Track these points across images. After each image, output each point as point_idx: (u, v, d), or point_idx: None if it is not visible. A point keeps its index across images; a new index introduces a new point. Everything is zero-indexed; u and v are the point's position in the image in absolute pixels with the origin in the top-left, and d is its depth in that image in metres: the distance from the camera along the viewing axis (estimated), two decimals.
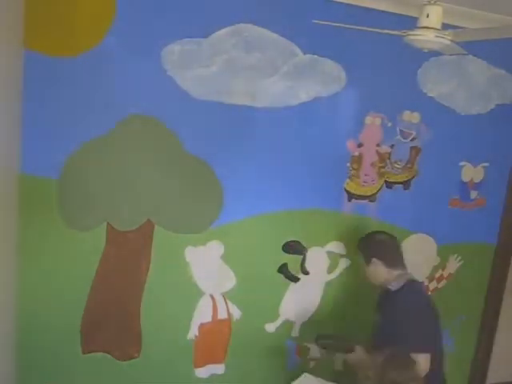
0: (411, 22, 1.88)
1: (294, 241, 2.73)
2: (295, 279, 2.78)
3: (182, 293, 2.57)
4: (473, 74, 2.92)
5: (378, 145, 2.81)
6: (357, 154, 2.77)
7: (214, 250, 2.58)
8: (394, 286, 2.36)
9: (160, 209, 2.46)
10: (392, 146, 2.84)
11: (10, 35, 2.03)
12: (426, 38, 1.81)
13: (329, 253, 2.82)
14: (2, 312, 2.18)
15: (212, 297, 2.65)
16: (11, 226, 2.21)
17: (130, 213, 2.42)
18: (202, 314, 2.64)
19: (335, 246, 2.83)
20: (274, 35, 2.47)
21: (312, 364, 2.95)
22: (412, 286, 2.39)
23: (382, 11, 2.56)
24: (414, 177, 2.93)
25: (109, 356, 2.53)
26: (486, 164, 3.08)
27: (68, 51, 2.19)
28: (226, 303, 2.68)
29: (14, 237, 2.25)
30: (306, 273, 2.79)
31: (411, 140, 2.87)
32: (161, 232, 2.47)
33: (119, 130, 2.32)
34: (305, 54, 2.54)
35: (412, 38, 1.84)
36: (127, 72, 2.30)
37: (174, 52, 2.33)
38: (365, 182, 2.82)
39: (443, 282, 3.15)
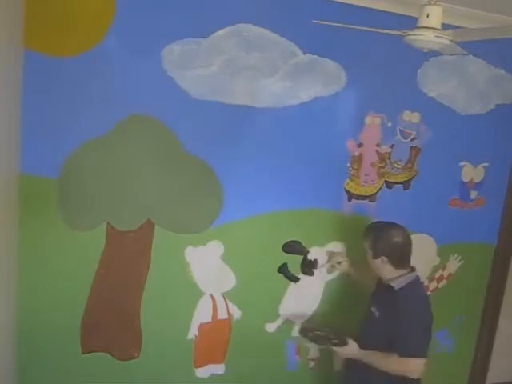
0: (411, 22, 1.88)
1: (293, 241, 2.73)
2: (295, 279, 2.78)
3: (182, 293, 2.57)
4: (473, 74, 2.92)
5: (377, 145, 2.81)
6: (357, 154, 2.77)
7: (213, 250, 2.58)
8: (396, 285, 2.31)
9: (160, 209, 2.46)
10: (392, 146, 2.84)
11: (10, 35, 2.03)
12: (426, 38, 1.82)
13: (329, 253, 2.83)
14: (2, 312, 2.18)
15: (212, 297, 2.65)
16: (11, 226, 2.21)
17: (130, 213, 2.42)
18: (202, 314, 2.65)
19: (335, 246, 2.83)
20: (274, 35, 2.47)
21: (312, 364, 2.95)
22: (414, 286, 2.35)
23: (382, 11, 2.56)
24: (413, 177, 2.93)
25: (109, 356, 2.53)
26: (486, 164, 3.08)
27: (68, 51, 2.19)
28: (226, 303, 2.68)
29: (14, 237, 2.25)
30: (311, 273, 2.80)
31: (411, 140, 2.87)
32: (161, 232, 2.47)
33: (119, 130, 2.32)
34: (305, 53, 2.54)
35: (412, 37, 1.84)
36: (127, 72, 2.30)
37: (173, 52, 2.33)
38: (365, 181, 2.82)
39: (443, 282, 3.15)
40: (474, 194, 3.11)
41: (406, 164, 2.90)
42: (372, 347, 2.29)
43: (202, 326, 2.66)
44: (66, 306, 2.40)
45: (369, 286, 2.59)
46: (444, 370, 3.29)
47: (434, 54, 2.26)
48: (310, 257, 2.78)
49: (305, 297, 2.83)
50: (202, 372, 2.73)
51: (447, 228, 3.06)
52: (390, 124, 2.79)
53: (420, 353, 2.21)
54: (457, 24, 2.38)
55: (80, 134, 2.27)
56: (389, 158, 2.85)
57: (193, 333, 2.65)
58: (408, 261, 2.40)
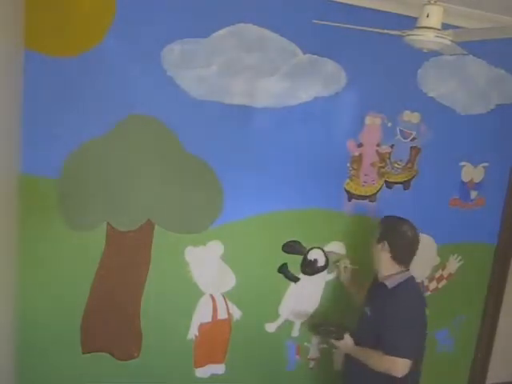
0: (411, 22, 1.88)
1: (293, 241, 2.73)
2: (295, 279, 2.78)
3: (182, 293, 2.57)
4: (473, 74, 2.92)
5: (378, 145, 2.81)
6: (357, 154, 2.77)
7: (213, 250, 2.58)
8: (390, 284, 2.31)
9: (160, 209, 2.46)
10: (392, 146, 2.84)
11: (10, 35, 2.03)
12: (425, 38, 1.82)
13: (329, 253, 2.83)
14: (2, 312, 2.18)
15: (212, 297, 2.65)
16: (11, 226, 2.21)
17: (130, 213, 2.42)
18: (202, 314, 2.65)
19: (335, 246, 2.83)
20: (274, 35, 2.47)
21: (312, 364, 2.95)
22: (408, 285, 2.34)
23: (382, 11, 2.56)
24: (413, 177, 2.93)
25: (109, 356, 2.53)
26: (486, 164, 3.08)
27: (68, 51, 2.19)
28: (226, 303, 2.68)
29: (14, 237, 2.25)
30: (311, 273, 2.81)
31: (411, 140, 2.87)
32: (161, 232, 2.47)
33: (119, 130, 2.32)
34: (305, 53, 2.54)
35: (412, 37, 1.84)
36: (127, 72, 2.30)
37: (173, 52, 2.33)
38: (365, 181, 2.82)
39: (443, 282, 3.15)
40: (473, 194, 3.11)
41: (406, 164, 2.90)
42: (361, 341, 2.33)
43: (201, 326, 2.66)
44: (66, 306, 2.40)
45: (360, 301, 2.60)
46: (444, 370, 3.30)
47: (434, 54, 2.26)
48: (311, 257, 2.78)
49: (305, 297, 2.83)
50: (202, 372, 2.73)
51: (447, 228, 3.06)
52: (389, 124, 2.79)
53: (405, 353, 2.18)
54: (457, 24, 2.38)
55: (80, 134, 2.27)
56: (389, 158, 2.85)
57: (193, 333, 2.65)
58: (409, 259, 2.38)
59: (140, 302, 2.52)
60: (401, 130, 2.83)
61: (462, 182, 3.06)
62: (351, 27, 2.04)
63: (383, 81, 2.71)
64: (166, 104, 2.38)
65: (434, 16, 1.80)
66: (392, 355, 2.18)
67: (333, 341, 2.45)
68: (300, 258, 2.77)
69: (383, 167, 2.85)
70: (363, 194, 2.84)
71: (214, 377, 2.75)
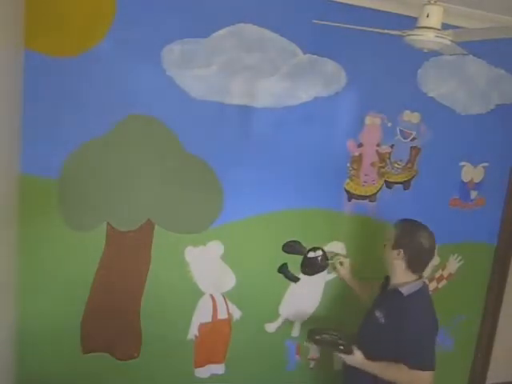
0: (411, 22, 1.88)
1: (293, 241, 2.73)
2: (295, 279, 2.78)
3: (182, 293, 2.57)
4: (473, 74, 2.92)
5: (378, 145, 2.81)
6: (357, 154, 2.77)
7: (213, 249, 2.58)
8: (405, 291, 2.21)
9: (160, 209, 2.46)
10: (392, 146, 2.84)
11: (10, 35, 2.03)
12: (425, 38, 1.82)
13: (329, 253, 2.83)
14: (2, 312, 2.18)
15: (212, 297, 2.65)
16: (11, 226, 2.21)
17: (130, 213, 2.42)
18: (202, 313, 2.65)
19: (335, 246, 2.83)
20: (274, 35, 2.47)
21: (312, 364, 2.95)
22: (423, 294, 2.27)
23: (382, 11, 2.56)
24: (413, 177, 2.93)
25: (109, 356, 2.53)
26: (486, 164, 3.09)
27: (68, 51, 2.19)
28: (226, 303, 2.68)
29: (14, 237, 2.25)
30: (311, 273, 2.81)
31: (411, 140, 2.87)
32: (161, 232, 2.47)
33: (119, 130, 2.32)
34: (305, 53, 2.54)
35: (412, 37, 1.84)
36: (127, 72, 2.30)
37: (173, 52, 2.33)
38: (365, 181, 2.82)
39: (443, 282, 3.15)
40: (473, 194, 3.11)
41: (406, 164, 2.90)
42: (376, 354, 2.20)
43: (202, 326, 2.66)
44: (66, 306, 2.40)
45: (363, 299, 2.58)
46: (444, 370, 3.29)
47: (434, 54, 2.26)
48: (311, 256, 2.78)
49: (305, 297, 2.83)
50: (202, 372, 2.73)
51: (447, 228, 3.06)
52: (390, 124, 2.79)
53: (430, 365, 2.15)
54: (457, 24, 2.38)
55: (80, 134, 2.27)
56: (389, 158, 2.85)
57: (193, 333, 2.65)
58: (423, 267, 2.31)
59: (140, 301, 2.52)
60: (401, 130, 2.83)
61: (462, 182, 3.06)
62: (351, 27, 2.04)
63: (383, 81, 2.71)
64: (166, 104, 2.38)
65: (434, 16, 1.80)
66: (418, 369, 2.11)
67: (341, 355, 2.28)
68: (300, 257, 2.77)
69: (383, 167, 2.85)
70: (363, 193, 2.84)
71: (213, 377, 2.76)
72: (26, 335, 2.37)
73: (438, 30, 1.81)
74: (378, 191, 2.87)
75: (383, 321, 2.25)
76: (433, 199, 3.00)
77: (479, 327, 3.36)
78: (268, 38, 2.46)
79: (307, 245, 2.77)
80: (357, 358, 2.22)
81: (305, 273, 2.79)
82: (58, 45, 2.17)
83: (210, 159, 2.48)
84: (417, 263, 2.27)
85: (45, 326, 2.38)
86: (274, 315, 2.79)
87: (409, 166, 2.91)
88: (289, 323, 2.83)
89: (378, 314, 2.29)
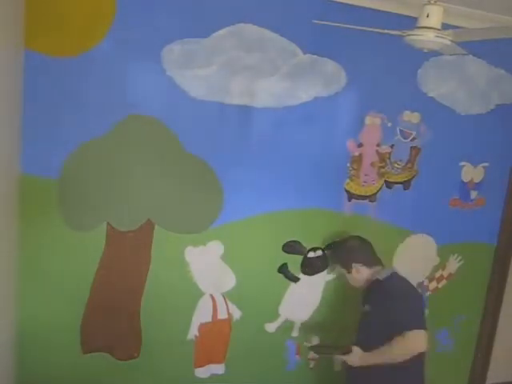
0: (411, 22, 1.88)
1: (293, 241, 2.73)
2: (295, 279, 2.78)
3: (182, 293, 2.57)
4: (473, 74, 2.92)
5: (378, 145, 2.81)
6: (357, 154, 2.77)
7: (213, 249, 2.58)
8: (381, 275, 2.39)
9: (160, 209, 2.46)
10: (392, 146, 2.84)
11: (10, 35, 2.03)
12: (425, 38, 1.82)
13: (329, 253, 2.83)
14: (2, 312, 2.18)
15: (212, 297, 2.65)
16: (11, 226, 2.21)
17: (130, 213, 2.42)
18: (202, 313, 2.65)
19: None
20: (274, 35, 2.47)
21: (312, 364, 2.95)
22: (396, 274, 2.42)
23: (382, 11, 2.56)
24: (413, 177, 2.93)
25: (109, 356, 2.53)
26: (486, 164, 3.08)
27: (68, 51, 2.19)
28: (226, 303, 2.68)
29: (14, 237, 2.25)
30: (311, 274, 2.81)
31: (411, 140, 2.87)
32: (161, 232, 2.47)
33: (119, 130, 2.32)
34: (305, 53, 2.54)
35: (412, 37, 1.84)
36: (127, 72, 2.30)
37: (173, 52, 2.33)
38: (365, 181, 2.82)
39: (443, 282, 3.15)
40: (473, 194, 3.11)
41: (406, 164, 2.90)
42: (373, 342, 2.25)
43: (202, 326, 2.66)
44: (66, 306, 2.40)
45: None
46: (444, 370, 3.29)
47: (434, 54, 2.26)
48: (311, 255, 2.78)
49: (305, 297, 2.83)
50: (202, 372, 2.73)
51: (447, 228, 3.06)
52: (390, 124, 2.79)
53: (419, 324, 2.19)
54: (457, 24, 2.38)
55: (80, 134, 2.27)
56: (389, 158, 2.85)
57: (193, 333, 2.65)
58: (377, 258, 2.50)
59: (140, 301, 2.52)
60: (401, 130, 2.83)
61: (462, 182, 3.06)
62: (351, 27, 2.04)
63: (383, 81, 2.71)
64: (166, 104, 2.38)
65: (434, 16, 1.80)
66: (408, 330, 2.14)
67: (341, 357, 2.37)
68: (300, 257, 2.77)
69: (383, 167, 2.85)
70: (363, 193, 2.84)
71: (213, 377, 2.76)
72: (26, 335, 2.37)
73: (438, 30, 1.81)
74: (378, 191, 2.87)
75: (369, 309, 2.38)
76: (433, 199, 3.00)
77: (479, 327, 3.36)
78: (268, 38, 2.46)
79: (307, 245, 2.77)
80: (356, 353, 2.30)
81: (305, 273, 2.79)
82: (57, 45, 2.17)
83: (210, 159, 2.48)
84: (370, 259, 2.47)
85: (45, 326, 2.38)
86: (274, 315, 2.79)
87: (409, 165, 2.91)
88: (289, 323, 2.83)
89: (366, 306, 2.42)
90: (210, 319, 2.67)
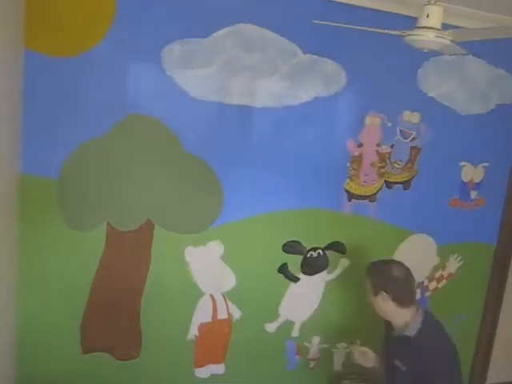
0: (411, 22, 1.88)
1: (293, 241, 2.73)
2: (295, 279, 2.78)
3: (182, 293, 2.57)
4: (473, 74, 2.92)
5: (377, 145, 2.81)
6: (357, 154, 2.77)
7: (213, 249, 2.58)
8: (411, 332, 2.18)
9: (160, 209, 2.46)
10: (392, 146, 2.84)
11: (10, 35, 2.03)
12: (425, 38, 1.81)
13: (329, 253, 2.83)
14: (2, 312, 2.18)
15: (212, 297, 2.65)
16: (11, 226, 2.21)
17: (130, 213, 2.42)
18: (202, 313, 2.65)
19: (335, 246, 2.83)
20: (274, 35, 2.47)
21: (312, 364, 2.95)
22: (428, 326, 2.22)
23: (382, 11, 2.55)
24: (413, 177, 2.93)
25: (109, 356, 2.53)
26: (486, 164, 3.08)
27: (68, 51, 2.19)
28: (226, 303, 2.68)
29: (14, 237, 2.25)
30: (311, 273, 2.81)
31: (411, 140, 2.87)
32: (161, 232, 2.47)
33: (119, 130, 2.32)
34: (305, 53, 2.54)
35: (412, 37, 1.84)
36: (127, 72, 2.30)
37: (173, 52, 2.33)
38: (365, 181, 2.82)
39: (443, 282, 3.15)
40: (473, 194, 3.11)
41: (406, 164, 2.90)
42: None
43: (202, 326, 2.66)
44: (66, 306, 2.40)
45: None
46: None
47: (434, 53, 2.26)
48: (311, 255, 2.78)
49: (305, 297, 2.83)
50: (202, 372, 2.73)
51: (447, 228, 3.06)
52: (390, 124, 2.79)
53: None
54: (457, 24, 2.38)
55: (80, 134, 2.27)
56: (389, 158, 2.85)
57: (193, 333, 2.65)
58: (412, 297, 2.29)
59: (140, 301, 2.52)
60: (401, 130, 2.83)
61: (462, 182, 3.06)
62: (351, 27, 2.04)
63: (383, 81, 2.70)
64: (166, 104, 2.38)
65: (434, 16, 1.80)
66: None
67: None
68: (300, 257, 2.77)
69: (383, 167, 2.84)
70: (363, 193, 2.84)
71: (213, 377, 2.76)
72: (26, 335, 2.37)
73: (438, 30, 1.80)
74: (378, 191, 2.87)
75: (404, 369, 2.22)
76: (433, 199, 3.00)
77: (479, 327, 3.36)
78: (268, 38, 2.46)
79: (307, 245, 2.77)
80: None
81: (305, 273, 2.79)
82: (57, 45, 2.17)
83: (210, 159, 2.48)
84: (402, 296, 2.24)
85: (45, 326, 2.38)
86: (274, 315, 2.79)
87: (409, 166, 2.91)
88: (289, 323, 2.83)
89: (397, 363, 2.25)
90: (210, 319, 2.67)
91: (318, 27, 2.21)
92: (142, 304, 2.52)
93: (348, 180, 2.79)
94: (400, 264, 2.31)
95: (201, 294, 2.62)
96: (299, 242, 2.75)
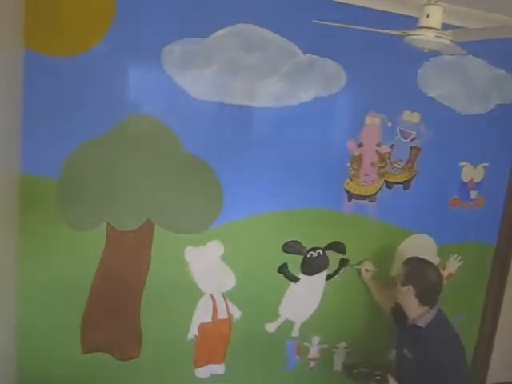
0: (411, 22, 1.88)
1: (293, 241, 2.73)
2: (295, 279, 2.78)
3: (182, 293, 2.57)
4: (473, 74, 2.92)
5: (377, 145, 2.81)
6: (357, 154, 2.77)
7: (213, 250, 2.58)
8: (423, 323, 2.35)
9: (160, 209, 2.46)
10: (392, 146, 2.84)
11: (10, 35, 2.03)
12: (425, 38, 1.81)
13: (329, 253, 2.83)
14: (1, 312, 2.18)
15: (212, 297, 2.65)
16: (11, 226, 2.21)
17: (130, 213, 2.42)
18: (202, 314, 2.65)
19: (335, 246, 2.83)
20: (274, 35, 2.47)
21: (312, 364, 2.95)
22: (440, 321, 2.38)
23: (382, 11, 2.56)
24: (413, 177, 2.93)
25: (109, 356, 2.53)
26: (486, 164, 3.08)
27: (68, 51, 2.19)
28: (226, 303, 2.68)
29: (14, 236, 2.25)
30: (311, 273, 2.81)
31: (411, 140, 2.87)
32: (161, 232, 2.47)
33: (119, 130, 2.32)
34: (305, 53, 2.54)
35: (412, 37, 1.84)
36: (127, 72, 2.30)
37: (173, 52, 2.33)
38: (365, 181, 2.82)
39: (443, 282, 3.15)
40: (473, 194, 3.10)
41: (406, 164, 2.90)
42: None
43: (202, 326, 2.66)
44: (66, 305, 2.40)
45: (384, 306, 2.70)
46: None
47: (434, 53, 2.26)
48: (311, 255, 2.78)
49: (305, 297, 2.83)
50: (202, 372, 2.73)
51: (447, 228, 3.06)
52: (390, 124, 2.79)
53: (459, 380, 2.22)
54: (457, 24, 2.38)
55: (80, 134, 2.27)
56: (389, 158, 2.85)
57: (193, 333, 2.65)
58: (435, 300, 2.42)
59: (140, 301, 2.52)
60: (401, 130, 2.83)
61: (462, 182, 3.06)
62: (351, 27, 2.04)
63: (383, 81, 2.70)
64: (166, 104, 2.38)
65: (434, 16, 1.80)
66: None
67: None
68: (300, 257, 2.77)
69: (383, 167, 2.84)
70: (363, 193, 2.84)
71: (213, 377, 2.76)
72: (26, 335, 2.37)
73: (438, 30, 1.80)
74: (378, 191, 2.87)
75: (411, 357, 2.35)
76: (433, 199, 3.00)
77: (479, 327, 3.36)
78: (268, 37, 2.46)
79: (307, 245, 2.77)
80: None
81: (305, 273, 2.79)
82: (57, 45, 2.17)
83: (210, 159, 2.48)
84: (427, 297, 2.40)
85: (45, 326, 2.38)
86: (274, 315, 2.79)
87: (409, 166, 2.91)
88: (289, 323, 2.83)
89: (405, 351, 2.40)
90: (210, 319, 2.67)
91: (318, 27, 2.21)
92: (142, 304, 2.52)
93: (348, 180, 2.79)
94: (436, 269, 2.50)
95: (201, 294, 2.62)
96: (299, 242, 2.75)
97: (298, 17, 2.47)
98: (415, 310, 2.41)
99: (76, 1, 2.17)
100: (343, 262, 2.84)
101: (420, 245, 3.02)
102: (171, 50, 2.33)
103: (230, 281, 2.65)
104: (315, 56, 2.56)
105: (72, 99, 2.24)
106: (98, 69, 2.25)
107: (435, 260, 3.09)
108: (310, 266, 2.79)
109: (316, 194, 2.72)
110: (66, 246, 2.35)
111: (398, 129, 2.82)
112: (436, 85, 2.84)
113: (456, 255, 3.14)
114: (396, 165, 2.87)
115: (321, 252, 2.80)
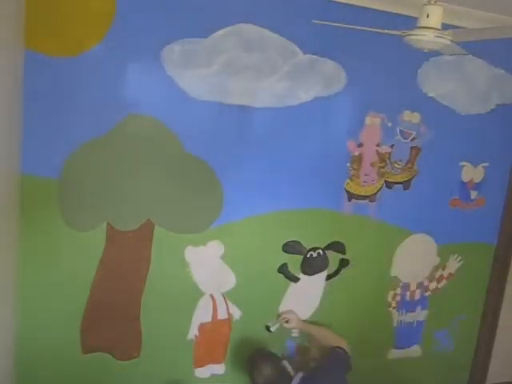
0: (411, 22, 1.88)
1: (293, 241, 2.73)
2: (295, 279, 2.78)
3: (182, 293, 2.57)
4: (473, 74, 2.92)
5: (378, 145, 2.81)
6: (357, 154, 2.77)
7: (213, 250, 2.58)
8: None
9: (160, 209, 2.46)
10: (392, 146, 2.84)
11: (11, 35, 2.03)
12: (426, 38, 1.81)
13: (329, 253, 2.83)
14: (1, 312, 2.18)
15: (212, 297, 2.65)
16: (11, 226, 2.21)
17: (130, 213, 2.42)
18: (202, 314, 2.65)
19: (335, 246, 2.83)
20: (274, 35, 2.47)
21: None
22: None
23: (382, 11, 2.56)
24: (413, 177, 2.93)
25: (109, 356, 2.53)
26: (486, 164, 3.08)
27: (68, 51, 2.19)
28: (226, 303, 2.68)
29: (15, 237, 2.25)
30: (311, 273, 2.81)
31: (411, 140, 2.87)
32: (161, 232, 2.47)
33: (119, 130, 2.32)
34: (305, 53, 2.54)
35: (412, 37, 1.84)
36: (127, 72, 2.30)
37: (173, 52, 2.33)
38: (365, 181, 2.82)
39: (443, 282, 3.15)
40: (474, 194, 3.11)
41: (406, 164, 2.90)
42: None
43: (202, 326, 2.66)
44: (66, 306, 2.40)
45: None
46: (444, 370, 3.30)
47: (434, 53, 2.26)
48: (311, 255, 2.78)
49: (305, 297, 2.83)
50: (202, 372, 2.73)
51: (447, 228, 3.06)
52: (390, 124, 2.79)
53: None
54: (457, 24, 2.38)
55: (80, 134, 2.27)
56: (389, 158, 2.85)
57: (193, 333, 2.65)
58: None
59: (140, 302, 2.52)
60: (401, 130, 2.83)
61: (462, 182, 3.06)
62: (351, 27, 2.04)
63: (383, 81, 2.71)
64: (166, 104, 2.38)
65: (434, 16, 1.80)
66: None
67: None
68: (300, 257, 2.77)
69: (383, 167, 2.85)
70: (363, 193, 2.84)
71: (214, 377, 2.76)
72: (26, 335, 2.36)
73: (438, 30, 1.81)
74: (378, 191, 2.87)
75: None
76: (433, 199, 3.00)
77: (479, 327, 3.36)
78: (268, 38, 2.46)
79: (307, 245, 2.77)
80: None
81: (305, 273, 2.79)
82: (58, 45, 2.17)
83: (210, 159, 2.48)
84: None
85: (45, 326, 2.38)
86: (274, 315, 2.79)
87: (409, 165, 2.91)
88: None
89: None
90: (209, 319, 2.67)
91: (318, 27, 2.21)
92: (142, 304, 2.52)
93: (348, 180, 2.79)
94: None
95: (201, 294, 2.62)
96: (299, 242, 2.75)
97: (298, 17, 2.47)
98: None
99: (76, 1, 2.17)
100: (343, 263, 2.84)
101: (420, 245, 3.03)
102: (171, 50, 2.33)
103: (229, 281, 2.65)
104: (315, 56, 2.56)
105: (72, 99, 2.24)
106: (98, 69, 2.25)
107: (435, 260, 3.10)
108: (310, 266, 2.80)
109: (316, 194, 2.72)
110: (66, 246, 2.35)
111: (398, 129, 2.83)
112: (436, 85, 2.85)
113: (456, 255, 3.14)
114: (396, 165, 2.87)
115: (321, 252, 2.80)
